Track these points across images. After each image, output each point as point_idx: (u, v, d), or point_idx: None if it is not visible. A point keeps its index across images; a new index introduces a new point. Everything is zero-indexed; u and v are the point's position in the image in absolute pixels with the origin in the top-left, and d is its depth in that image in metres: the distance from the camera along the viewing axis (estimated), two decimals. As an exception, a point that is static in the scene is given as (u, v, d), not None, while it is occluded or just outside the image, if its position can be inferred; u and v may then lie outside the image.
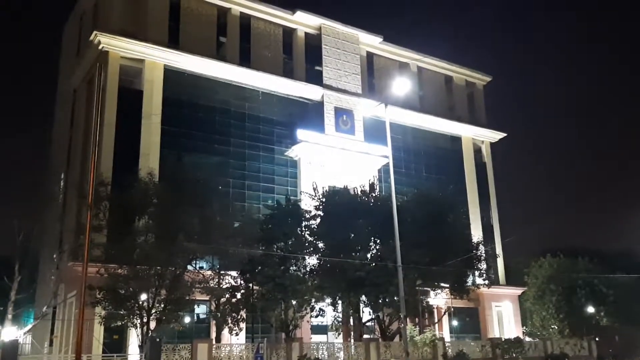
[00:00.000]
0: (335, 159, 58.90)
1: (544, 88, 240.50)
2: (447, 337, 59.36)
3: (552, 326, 68.36)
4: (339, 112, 61.47)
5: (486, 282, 51.92)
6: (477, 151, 73.89)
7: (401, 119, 66.25)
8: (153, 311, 36.54)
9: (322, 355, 40.78)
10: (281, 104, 59.34)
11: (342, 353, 41.96)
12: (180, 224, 35.64)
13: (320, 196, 45.76)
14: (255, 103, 57.75)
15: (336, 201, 44.82)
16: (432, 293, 48.80)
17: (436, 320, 57.78)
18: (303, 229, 43.14)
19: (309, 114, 60.47)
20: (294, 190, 55.63)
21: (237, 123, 56.03)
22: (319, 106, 61.34)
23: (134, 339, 39.91)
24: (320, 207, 44.80)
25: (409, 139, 67.92)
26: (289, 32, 62.12)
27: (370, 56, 67.89)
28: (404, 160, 65.93)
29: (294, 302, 40.99)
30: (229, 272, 41.45)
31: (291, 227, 42.05)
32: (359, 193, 46.69)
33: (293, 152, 57.84)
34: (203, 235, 36.41)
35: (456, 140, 72.52)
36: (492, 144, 74.72)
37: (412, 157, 67.80)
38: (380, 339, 44.72)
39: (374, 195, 46.86)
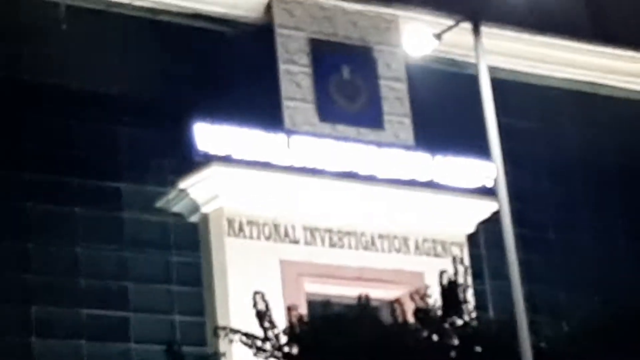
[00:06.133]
0: (327, 209, 20.59)
1: None
2: None
3: None
4: (326, 56, 21.34)
5: None
6: None
7: (528, 68, 24.02)
8: None
9: None
10: (138, 45, 20.52)
11: None
12: None
13: (283, 334, 14.44)
14: (50, 46, 19.50)
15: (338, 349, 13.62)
16: None
17: None
18: None
19: (227, 71, 20.72)
20: (195, 323, 19.51)
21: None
22: (258, 42, 21.10)
23: None
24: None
25: (559, 127, 23.97)
26: None
27: None
28: (555, 201, 23.35)
29: None
30: None
31: None
32: (415, 325, 14.80)
33: (182, 198, 20.00)
34: None
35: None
36: None
37: (574, 183, 23.78)
38: None
39: (456, 317, 14.89)
